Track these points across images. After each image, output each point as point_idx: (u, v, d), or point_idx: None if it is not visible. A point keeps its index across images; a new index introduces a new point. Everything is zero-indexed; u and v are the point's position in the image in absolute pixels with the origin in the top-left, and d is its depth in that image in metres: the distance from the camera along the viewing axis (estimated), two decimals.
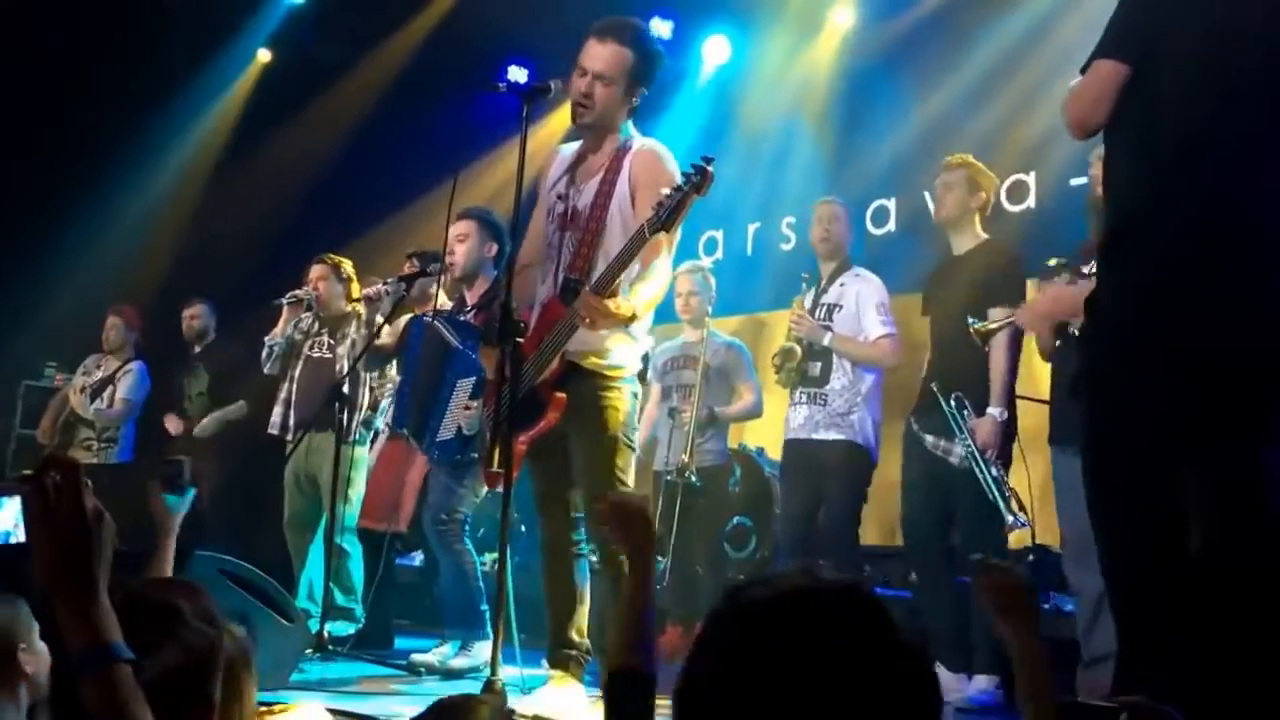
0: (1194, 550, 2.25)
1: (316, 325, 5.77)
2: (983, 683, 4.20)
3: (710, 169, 3.18)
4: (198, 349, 7.09)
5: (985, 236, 4.58)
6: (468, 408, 4.47)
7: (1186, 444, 2.28)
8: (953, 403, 4.30)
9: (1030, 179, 6.59)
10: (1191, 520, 2.27)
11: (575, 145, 3.80)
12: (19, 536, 1.42)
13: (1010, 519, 4.26)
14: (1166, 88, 2.33)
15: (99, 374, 7.24)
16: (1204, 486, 2.28)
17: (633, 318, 3.37)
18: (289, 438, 5.62)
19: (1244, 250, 2.33)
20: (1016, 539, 4.85)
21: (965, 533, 4.40)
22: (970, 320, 4.19)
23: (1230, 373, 2.28)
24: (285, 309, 5.82)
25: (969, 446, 4.26)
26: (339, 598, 5.31)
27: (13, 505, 1.42)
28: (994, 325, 4.14)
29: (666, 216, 3.18)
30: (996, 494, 4.25)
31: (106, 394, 7.15)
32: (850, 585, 1.15)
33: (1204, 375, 2.27)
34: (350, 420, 5.43)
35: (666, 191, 3.20)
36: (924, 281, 4.83)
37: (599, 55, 3.56)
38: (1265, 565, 2.24)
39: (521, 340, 3.35)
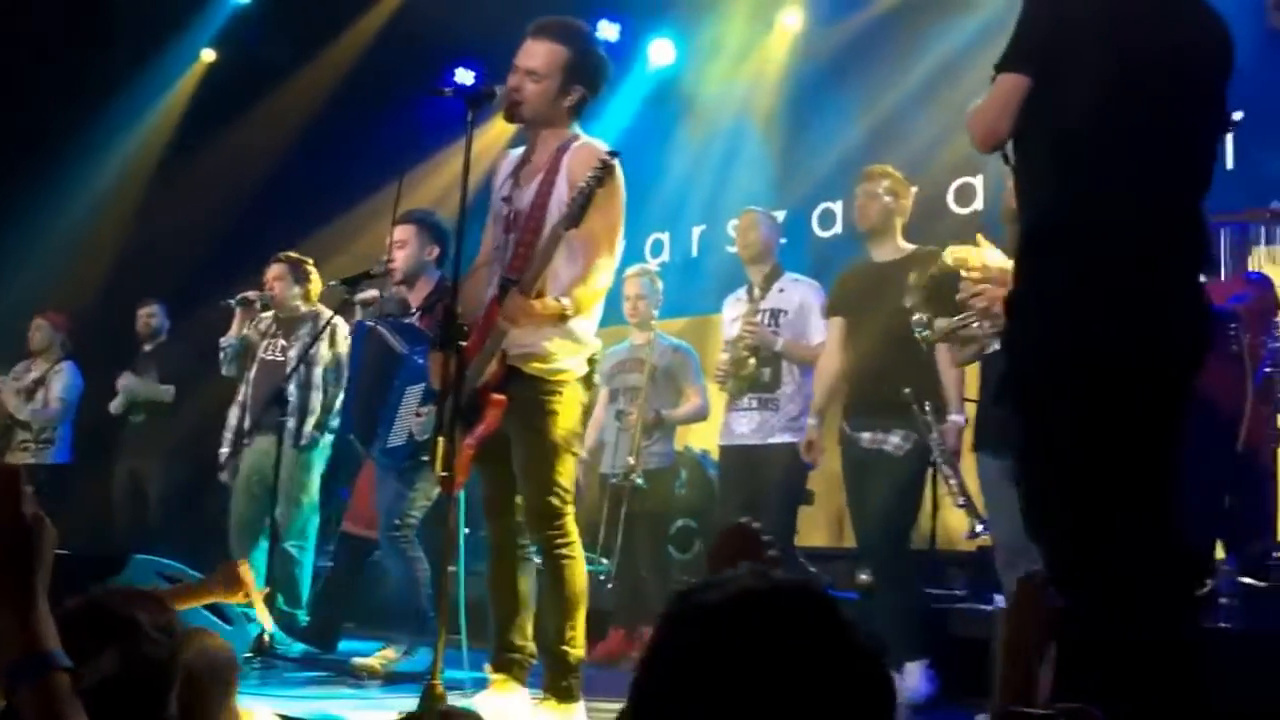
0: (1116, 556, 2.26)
1: (274, 326, 5.69)
2: (914, 672, 4.20)
3: (614, 163, 3.28)
4: (148, 348, 6.98)
5: (910, 246, 4.62)
6: (419, 414, 4.45)
7: (1104, 450, 2.29)
8: (925, 407, 4.29)
9: (978, 181, 6.65)
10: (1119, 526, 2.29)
11: (523, 149, 3.77)
12: None
13: (980, 527, 4.26)
14: (1073, 95, 2.35)
15: (30, 377, 7.14)
16: (1118, 492, 2.30)
17: (563, 315, 3.35)
18: (245, 441, 5.55)
19: (1157, 254, 2.36)
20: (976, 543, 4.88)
21: (877, 513, 4.42)
22: (916, 330, 4.20)
23: (1144, 378, 2.30)
24: (237, 311, 5.74)
25: (942, 450, 4.27)
26: (282, 603, 5.24)
27: None
28: (940, 333, 4.14)
29: (577, 212, 3.24)
30: (964, 501, 4.26)
31: (39, 395, 7.06)
32: (802, 585, 1.14)
33: (1119, 381, 2.28)
34: (301, 425, 5.35)
35: (580, 186, 3.25)
36: (836, 284, 4.84)
37: (532, 52, 3.56)
38: (1173, 571, 2.27)
39: (465, 344, 3.34)
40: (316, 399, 5.43)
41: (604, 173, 3.24)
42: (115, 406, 6.87)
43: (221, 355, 5.79)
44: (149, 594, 1.91)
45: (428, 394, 4.40)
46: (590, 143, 3.58)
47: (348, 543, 5.28)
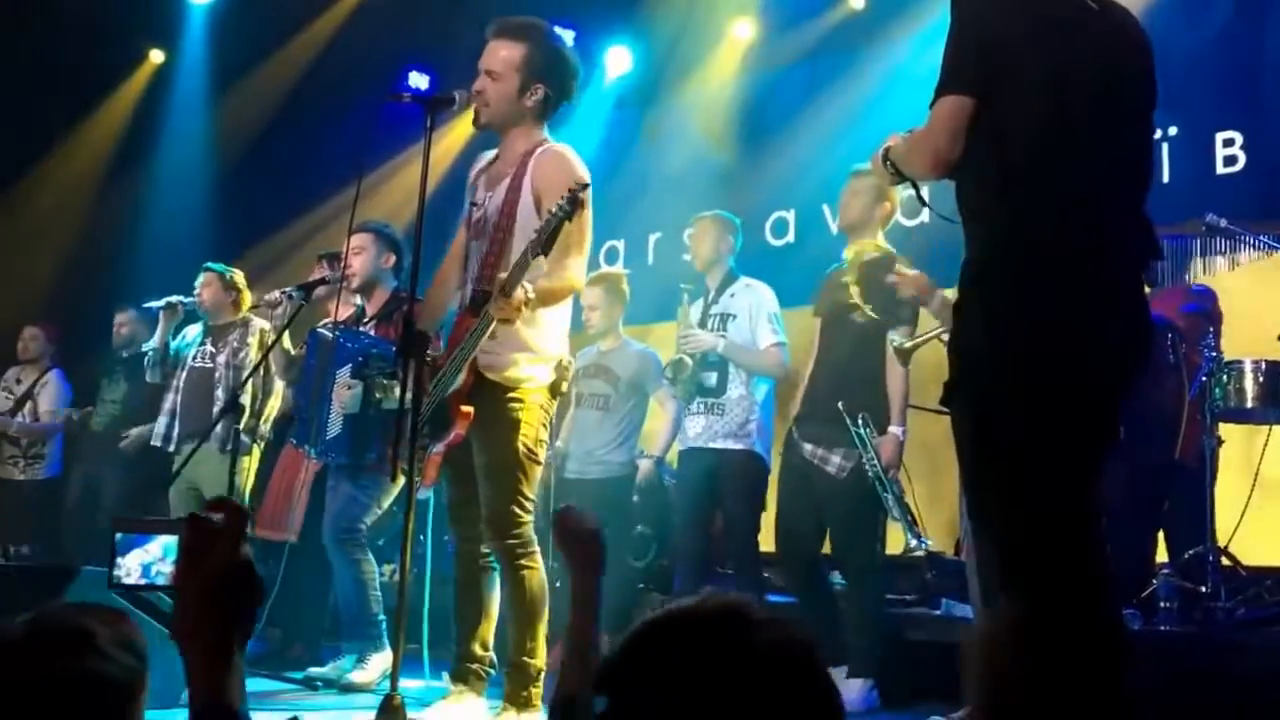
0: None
1: (204, 334, 5.66)
2: (857, 687, 4.22)
3: (582, 195, 3.24)
4: (125, 354, 6.77)
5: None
6: (349, 386, 4.46)
7: (1043, 456, 2.34)
8: (860, 421, 4.28)
9: (925, 193, 6.69)
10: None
11: (495, 151, 3.75)
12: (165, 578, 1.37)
13: (914, 542, 4.31)
14: (1011, 114, 2.36)
15: (19, 388, 7.01)
16: (1058, 497, 2.35)
17: (526, 302, 3.25)
18: (172, 449, 5.50)
19: (1100, 265, 2.40)
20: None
21: (837, 544, 4.45)
22: (892, 339, 4.23)
23: (1085, 386, 2.36)
24: (161, 316, 5.70)
25: (874, 465, 4.26)
26: None
27: (157, 545, 1.37)
28: (910, 345, 4.17)
29: (545, 241, 3.22)
30: (900, 515, 4.29)
31: (27, 408, 6.94)
32: (778, 619, 1.18)
33: (1059, 388, 2.33)
34: (230, 431, 5.29)
35: (548, 216, 3.23)
36: (821, 283, 4.79)
37: (492, 52, 3.57)
38: (1107, 576, 2.35)
39: (431, 353, 3.36)
40: (245, 404, 5.38)
41: (572, 206, 3.20)
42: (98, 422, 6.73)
43: (145, 360, 5.74)
44: (106, 607, 1.84)
45: (354, 370, 4.45)
46: (555, 148, 3.56)
47: (275, 550, 5.13)
